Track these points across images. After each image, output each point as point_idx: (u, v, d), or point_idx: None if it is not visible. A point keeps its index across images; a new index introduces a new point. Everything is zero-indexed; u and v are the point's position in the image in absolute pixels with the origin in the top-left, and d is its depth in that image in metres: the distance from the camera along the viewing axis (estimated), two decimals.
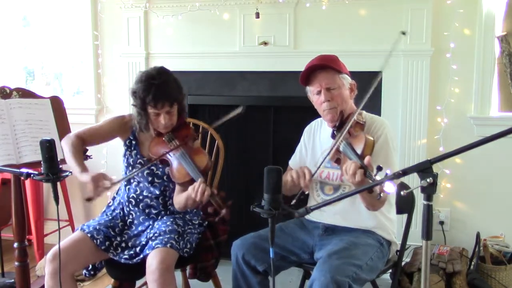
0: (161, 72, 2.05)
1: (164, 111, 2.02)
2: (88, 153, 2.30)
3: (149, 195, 2.14)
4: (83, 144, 2.10)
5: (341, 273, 1.71)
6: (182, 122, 2.13)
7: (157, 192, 2.14)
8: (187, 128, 2.12)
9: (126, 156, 2.18)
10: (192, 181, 1.96)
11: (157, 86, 1.97)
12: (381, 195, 1.56)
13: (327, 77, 1.97)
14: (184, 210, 2.11)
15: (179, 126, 2.10)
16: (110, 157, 3.25)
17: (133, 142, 2.17)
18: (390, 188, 1.33)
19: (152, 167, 2.12)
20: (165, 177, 2.14)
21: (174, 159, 2.03)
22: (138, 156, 2.15)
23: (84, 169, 1.96)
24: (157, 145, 2.08)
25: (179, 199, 2.06)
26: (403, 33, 1.85)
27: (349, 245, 1.86)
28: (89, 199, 1.89)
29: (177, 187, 2.10)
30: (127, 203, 2.15)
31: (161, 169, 2.11)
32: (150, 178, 2.12)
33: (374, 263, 1.89)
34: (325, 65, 1.98)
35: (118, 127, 2.17)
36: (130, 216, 2.16)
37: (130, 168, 2.16)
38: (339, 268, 1.72)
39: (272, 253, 1.38)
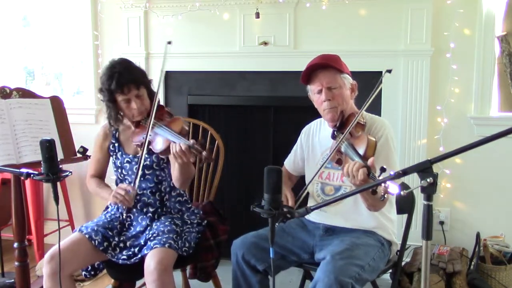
0: (121, 62, 2.09)
1: (133, 96, 2.04)
2: (88, 153, 2.31)
3: (144, 191, 2.14)
4: (101, 178, 2.28)
5: (344, 274, 1.71)
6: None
7: (151, 185, 2.14)
8: (161, 108, 2.12)
9: (113, 160, 2.21)
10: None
11: (119, 73, 2.01)
12: (385, 196, 1.56)
13: (329, 76, 1.96)
14: (185, 182, 2.10)
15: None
16: None
17: (116, 144, 2.19)
18: (394, 189, 1.32)
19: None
20: (154, 165, 2.14)
21: (153, 135, 2.02)
22: (124, 156, 2.17)
23: (110, 192, 2.11)
24: (139, 134, 2.09)
25: (174, 174, 2.07)
26: (389, 72, 1.92)
27: (351, 246, 1.85)
28: (128, 210, 2.12)
29: (171, 165, 2.10)
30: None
31: (148, 159, 2.11)
32: (140, 172, 2.08)
33: (376, 263, 1.89)
34: (327, 64, 1.97)
35: (106, 140, 2.21)
36: (128, 218, 2.15)
37: (119, 170, 2.18)
38: (342, 269, 1.73)
39: (272, 253, 1.38)
